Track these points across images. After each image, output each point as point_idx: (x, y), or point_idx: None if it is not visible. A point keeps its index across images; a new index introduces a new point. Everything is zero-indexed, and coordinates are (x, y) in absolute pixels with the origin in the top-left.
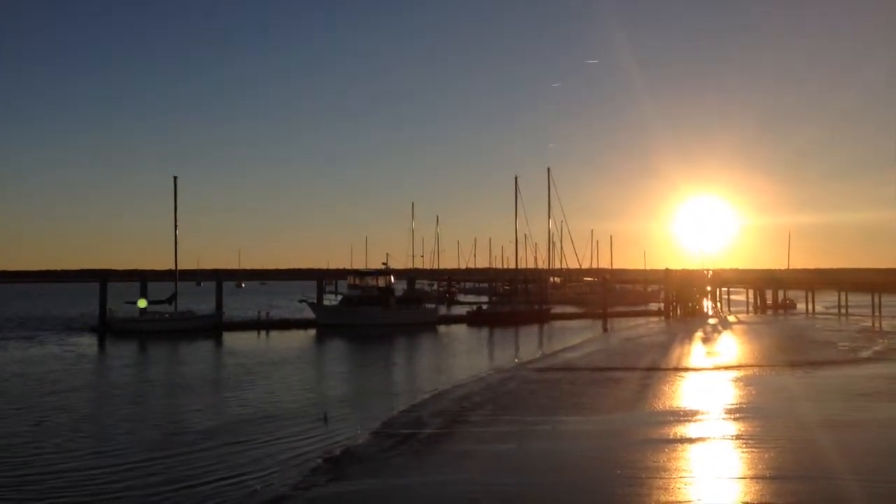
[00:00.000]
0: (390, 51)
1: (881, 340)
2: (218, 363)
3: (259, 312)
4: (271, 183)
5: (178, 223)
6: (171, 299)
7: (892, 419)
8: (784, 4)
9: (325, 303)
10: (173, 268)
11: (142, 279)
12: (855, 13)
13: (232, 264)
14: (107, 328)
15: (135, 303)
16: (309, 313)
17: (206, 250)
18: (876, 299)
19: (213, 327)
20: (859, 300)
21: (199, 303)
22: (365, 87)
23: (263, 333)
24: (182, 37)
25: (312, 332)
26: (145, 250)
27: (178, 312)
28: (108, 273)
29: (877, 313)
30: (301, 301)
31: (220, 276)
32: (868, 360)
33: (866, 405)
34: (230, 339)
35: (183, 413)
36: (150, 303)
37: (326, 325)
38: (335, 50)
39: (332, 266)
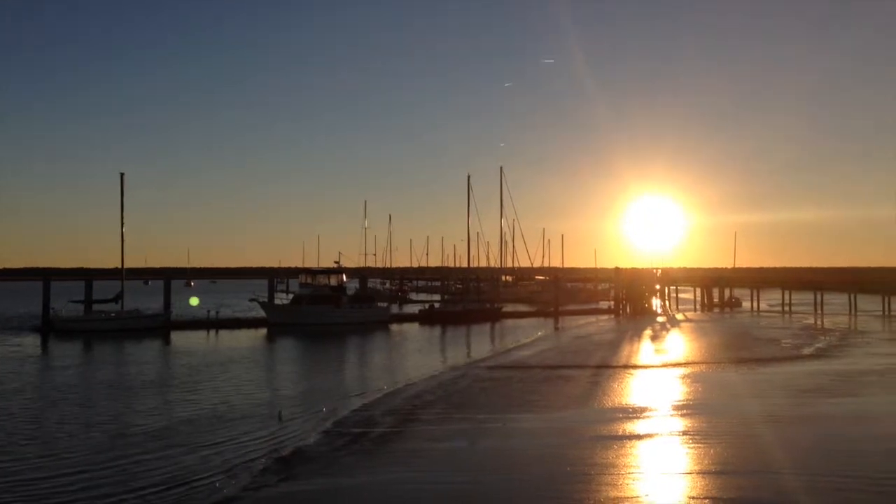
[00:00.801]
0: (343, 50)
1: (823, 338)
2: (165, 363)
3: (208, 311)
4: (222, 181)
5: (124, 221)
6: (117, 298)
7: (833, 415)
8: (732, 6)
9: (276, 302)
10: (119, 266)
11: (87, 278)
12: (800, 15)
13: (181, 263)
14: (50, 328)
15: (81, 301)
16: (259, 312)
17: (155, 249)
18: (818, 297)
19: (161, 327)
20: (802, 298)
21: (147, 302)
22: (317, 85)
23: (213, 333)
24: (130, 33)
25: (263, 331)
26: (90, 248)
27: (125, 312)
28: (51, 271)
29: (819, 311)
30: (251, 300)
31: (168, 275)
32: (810, 356)
33: (808, 401)
34: (178, 338)
35: (129, 414)
36: (94, 302)
37: (277, 325)
38: (287, 49)
39: (284, 265)
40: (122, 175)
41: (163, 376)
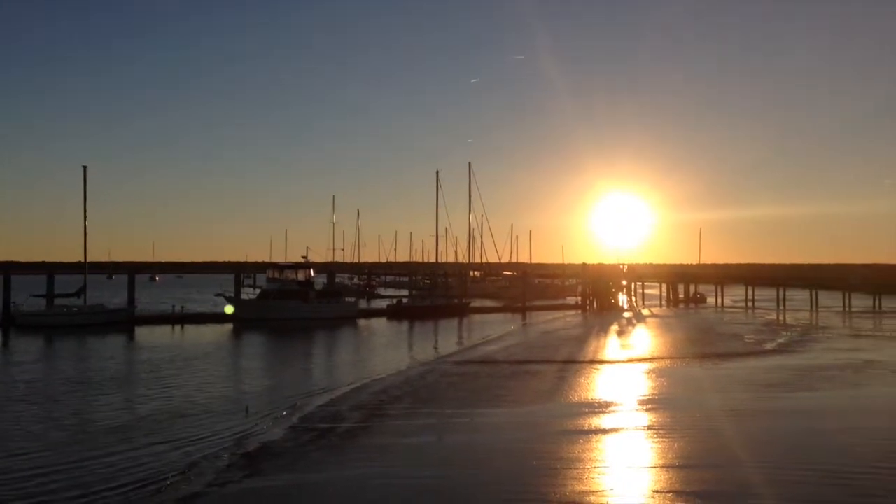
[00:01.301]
0: (313, 44)
1: (785, 333)
2: (129, 358)
3: (173, 306)
4: (188, 174)
5: (87, 214)
6: (80, 292)
7: (794, 409)
8: (696, 6)
9: (243, 296)
10: (82, 260)
11: (49, 272)
12: (763, 16)
13: (146, 257)
14: (11, 322)
15: (43, 295)
16: (226, 307)
17: (119, 243)
18: (780, 293)
19: (125, 321)
20: (765, 294)
21: (111, 297)
22: (286, 79)
23: (178, 328)
24: (91, 26)
25: (229, 326)
26: (53, 242)
27: (88, 306)
28: (12, 265)
29: (781, 307)
30: (218, 295)
31: (132, 269)
32: (772, 351)
33: (770, 395)
34: (143, 333)
35: (90, 411)
36: (57, 296)
37: (244, 320)
38: (256, 43)
39: (251, 259)
40: (84, 168)
41: (126, 372)
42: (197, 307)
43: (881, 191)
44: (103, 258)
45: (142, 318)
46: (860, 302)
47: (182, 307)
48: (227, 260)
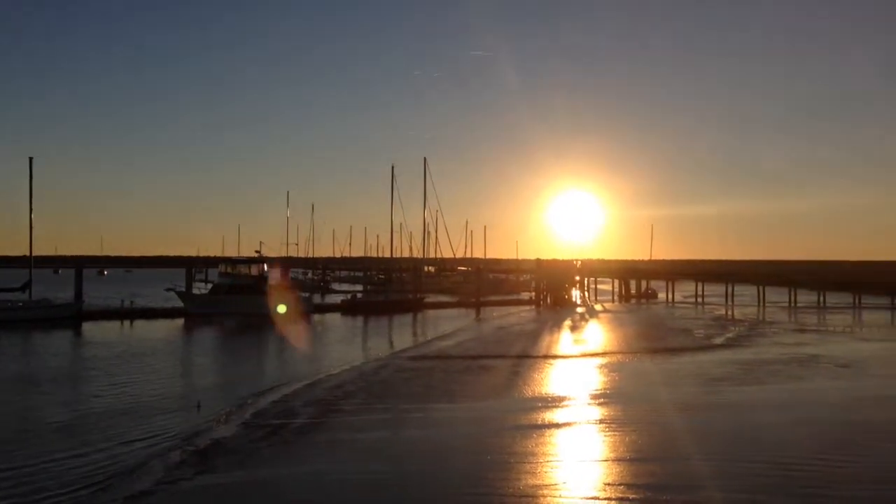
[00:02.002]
0: (266, 36)
1: (733, 328)
2: (76, 354)
3: (122, 301)
4: (138, 167)
5: (33, 207)
6: (25, 287)
7: (742, 402)
8: (647, 7)
9: (195, 291)
10: (28, 254)
11: None
12: (709, 18)
13: (94, 251)
14: None
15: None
16: (177, 302)
17: (66, 236)
18: (729, 289)
19: (73, 317)
20: (714, 290)
21: (57, 292)
22: (238, 72)
23: (127, 323)
24: (36, 17)
25: (180, 321)
26: None
27: (33, 301)
28: None
29: (730, 302)
30: (168, 289)
31: (80, 264)
32: (721, 346)
33: (718, 389)
34: (91, 329)
35: (36, 409)
36: (0, 291)
37: (196, 315)
38: (209, 35)
39: (203, 254)
40: (30, 160)
41: (73, 368)
42: (147, 302)
43: (824, 188)
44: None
45: (89, 313)
46: (805, 297)
47: (132, 302)
48: (177, 254)
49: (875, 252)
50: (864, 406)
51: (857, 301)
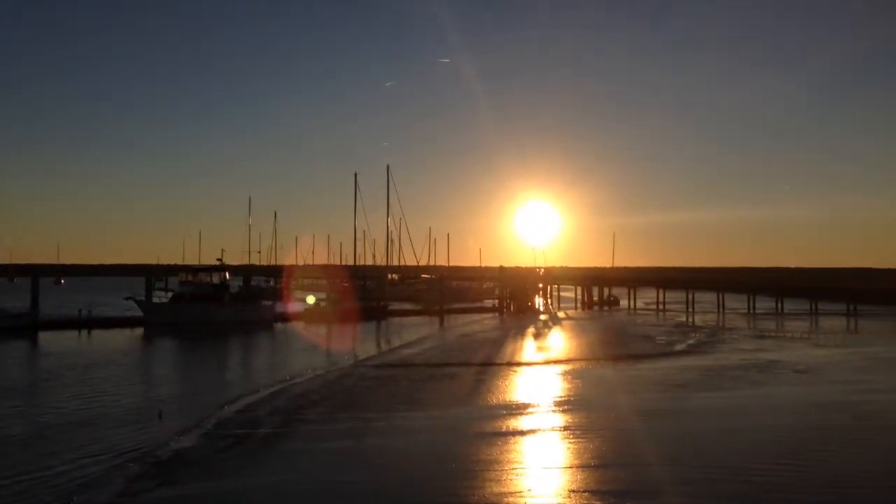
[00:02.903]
0: (228, 42)
1: (694, 334)
2: (32, 365)
3: (80, 310)
4: (96, 174)
5: None
6: None
7: (702, 408)
8: (609, 15)
9: (155, 300)
10: None
11: None
12: (674, 26)
13: (50, 259)
14: None
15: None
16: (136, 311)
17: (21, 244)
18: (690, 296)
19: (28, 326)
20: (675, 297)
21: (12, 301)
22: (200, 79)
23: (85, 333)
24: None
25: (140, 330)
26: None
27: None
28: None
29: (690, 309)
30: (127, 298)
31: (36, 272)
32: (682, 352)
33: (679, 395)
34: (47, 339)
35: None
36: None
37: (156, 324)
38: (169, 41)
39: (163, 262)
40: None
41: (30, 379)
42: (106, 311)
43: (782, 197)
44: (4, 260)
45: (46, 322)
46: (764, 304)
47: (89, 311)
48: (137, 262)
49: (832, 260)
50: (821, 411)
51: (813, 307)
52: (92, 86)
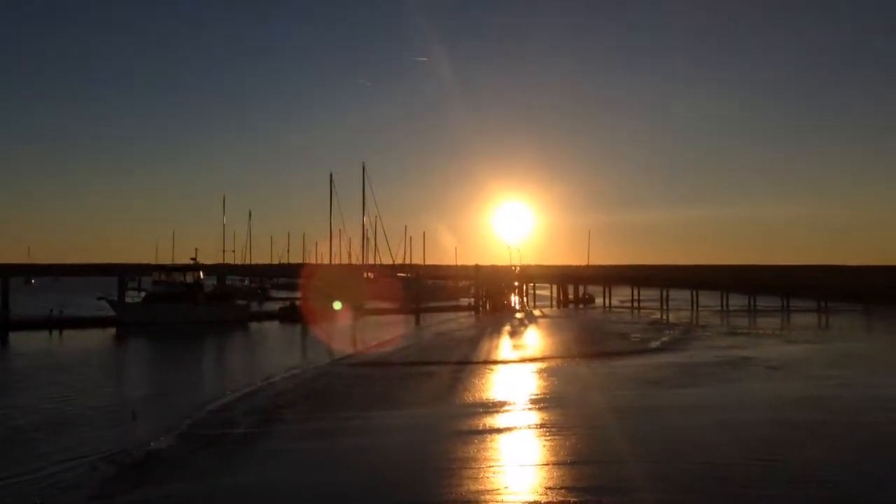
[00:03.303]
0: (202, 40)
1: (668, 332)
2: (3, 366)
3: (51, 310)
4: (67, 173)
5: None
6: None
7: (677, 404)
8: (582, 15)
9: (128, 300)
10: None
11: None
12: (644, 27)
13: (21, 259)
14: None
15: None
16: (109, 311)
17: None
18: (664, 294)
19: None
20: (650, 294)
21: None
22: (174, 75)
23: (57, 333)
24: None
25: (113, 331)
26: None
27: None
28: None
29: (665, 307)
30: (100, 298)
31: (6, 272)
32: (657, 350)
33: (654, 392)
34: (18, 339)
35: None
36: None
37: (129, 324)
38: (141, 37)
39: (136, 261)
40: None
41: (1, 380)
42: (77, 311)
43: (754, 196)
44: None
45: (17, 322)
46: (737, 301)
47: (61, 311)
48: (109, 262)
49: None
50: (794, 407)
51: (785, 304)
52: (63, 85)
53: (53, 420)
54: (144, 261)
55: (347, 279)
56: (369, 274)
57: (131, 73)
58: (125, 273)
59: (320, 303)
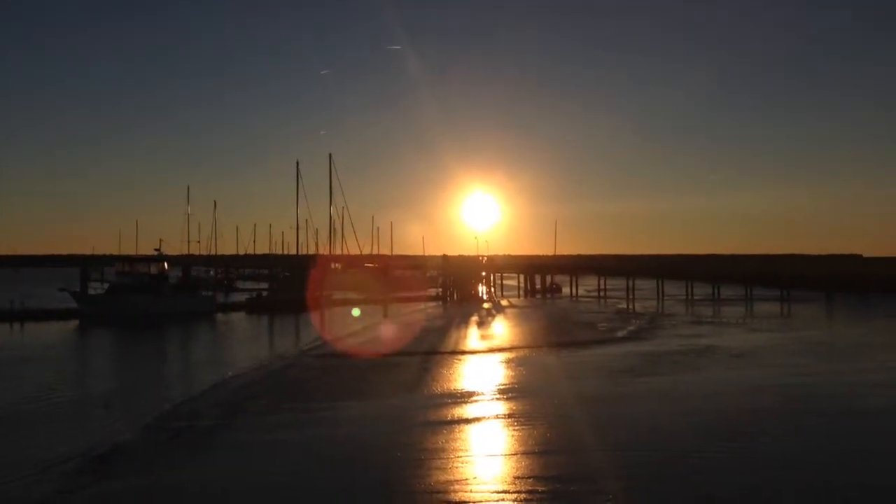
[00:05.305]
0: (165, 28)
1: (634, 321)
2: None
3: (12, 302)
4: (27, 161)
5: None
6: None
7: (644, 393)
8: (546, 16)
9: (91, 291)
10: None
11: None
12: (619, 12)
13: None
14: None
15: None
16: (71, 303)
17: None
18: (630, 283)
19: None
20: (616, 284)
21: None
22: (136, 65)
23: (18, 325)
24: None
25: (75, 323)
26: None
27: None
28: None
29: (631, 296)
30: (62, 290)
31: None
32: (623, 339)
33: (621, 381)
34: None
35: None
36: None
37: (91, 316)
38: (106, 28)
39: (98, 252)
40: None
41: None
42: (39, 303)
43: (715, 187)
44: None
45: None
46: (701, 290)
47: (22, 303)
48: (71, 253)
49: (765, 247)
50: (757, 394)
51: (748, 293)
52: (26, 75)
53: (16, 414)
54: (107, 251)
55: (315, 270)
56: (336, 265)
57: (96, 66)
58: (88, 264)
59: (288, 294)
